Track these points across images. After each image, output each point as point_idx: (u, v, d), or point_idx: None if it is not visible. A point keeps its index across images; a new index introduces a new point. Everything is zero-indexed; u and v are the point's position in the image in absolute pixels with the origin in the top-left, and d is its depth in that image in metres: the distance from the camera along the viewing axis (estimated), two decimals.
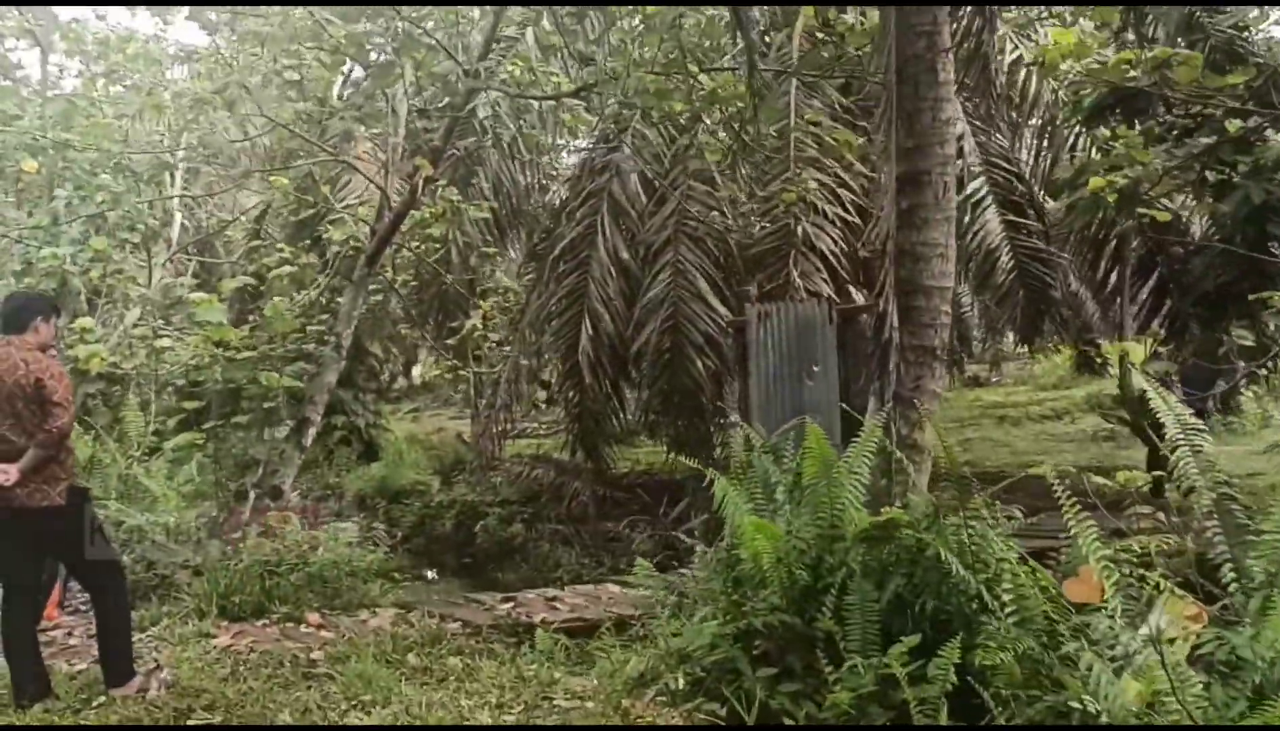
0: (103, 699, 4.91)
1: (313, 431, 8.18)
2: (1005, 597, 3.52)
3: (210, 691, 4.99)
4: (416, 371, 31.38)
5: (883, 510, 4.15)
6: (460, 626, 6.19)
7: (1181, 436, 3.77)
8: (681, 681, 3.84)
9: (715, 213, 11.43)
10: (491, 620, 6.39)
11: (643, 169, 12.14)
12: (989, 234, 10.91)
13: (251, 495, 7.80)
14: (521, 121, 11.58)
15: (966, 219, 11.15)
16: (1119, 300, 10.84)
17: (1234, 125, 7.53)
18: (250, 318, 9.60)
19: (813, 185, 10.79)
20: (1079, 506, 3.56)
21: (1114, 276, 10.95)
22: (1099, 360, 23.50)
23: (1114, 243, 10.90)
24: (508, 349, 11.81)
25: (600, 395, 11.77)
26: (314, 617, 6.66)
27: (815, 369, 8.52)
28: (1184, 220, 10.86)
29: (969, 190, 11.06)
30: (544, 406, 17.18)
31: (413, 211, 8.66)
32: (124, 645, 5.09)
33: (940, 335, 5.04)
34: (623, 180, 12.13)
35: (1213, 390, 11.66)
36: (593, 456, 12.46)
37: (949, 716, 3.31)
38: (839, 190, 10.88)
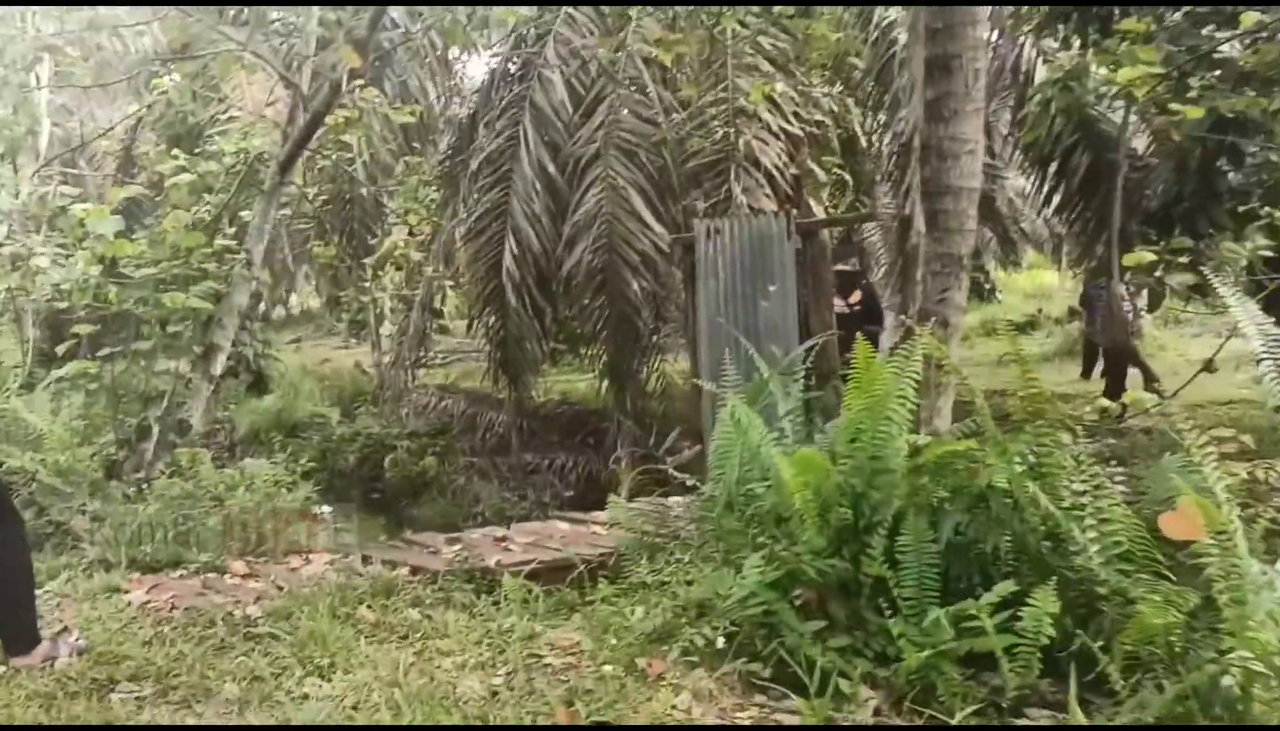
0: (1, 670, 4.22)
1: (222, 358, 7.39)
2: (1090, 535, 3.12)
3: (134, 657, 4.33)
4: (295, 299, 30.07)
5: (918, 439, 3.73)
6: (409, 573, 5.60)
7: (1267, 352, 3.42)
8: (720, 639, 3.36)
9: (649, 124, 10.79)
10: (443, 565, 5.82)
11: (568, 76, 11.40)
12: None
13: (155, 430, 7.01)
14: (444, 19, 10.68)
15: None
16: (1069, 217, 10.66)
17: (1248, 17, 7.16)
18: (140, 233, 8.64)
19: (754, 96, 10.24)
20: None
21: (1058, 194, 10.73)
22: (987, 286, 23.75)
23: (1058, 157, 10.66)
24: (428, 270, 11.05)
25: (526, 319, 11.13)
26: (238, 566, 5.99)
27: (771, 288, 8.08)
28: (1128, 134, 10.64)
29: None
30: (446, 334, 16.42)
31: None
32: (25, 606, 4.38)
33: (967, 242, 4.62)
34: (546, 88, 11.37)
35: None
36: (516, 385, 11.84)
37: (1040, 676, 2.92)
38: (780, 101, 10.36)
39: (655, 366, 11.29)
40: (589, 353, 11.59)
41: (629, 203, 10.42)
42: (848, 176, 12.73)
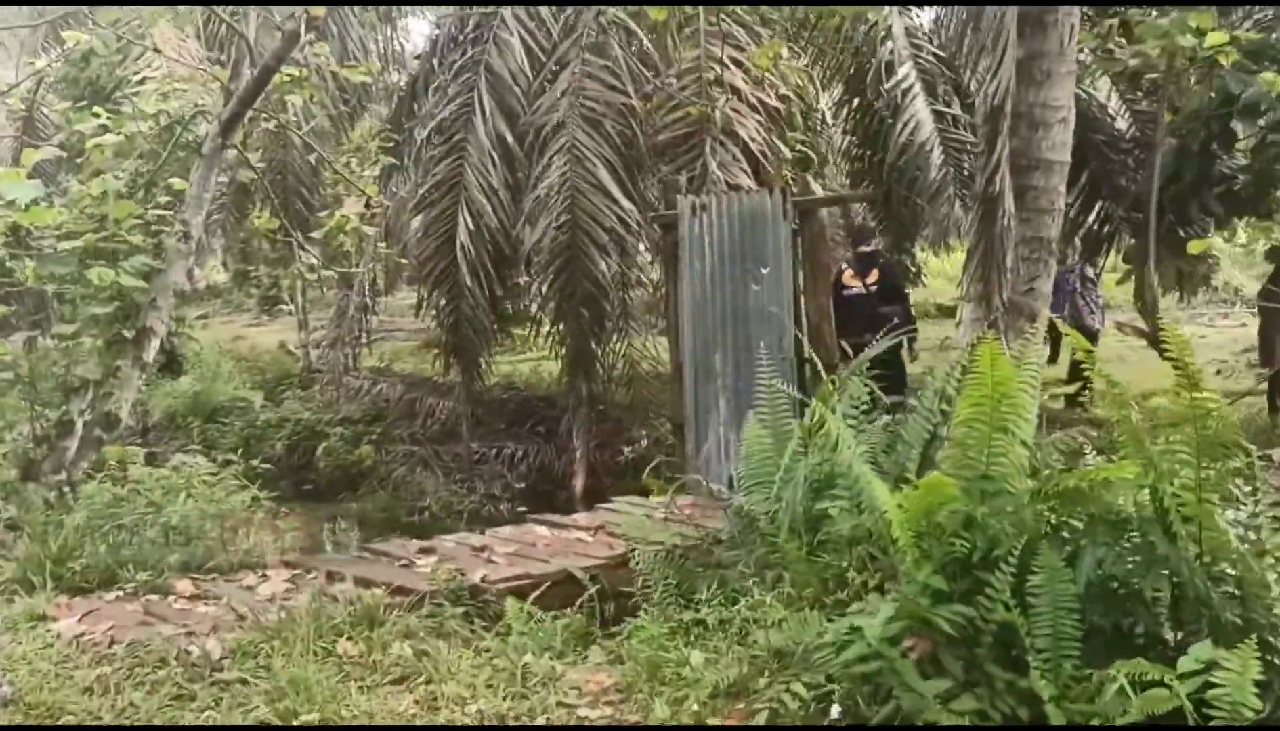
0: None
1: (156, 343, 6.58)
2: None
3: (73, 710, 3.63)
4: (200, 273, 28.66)
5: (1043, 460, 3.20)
6: (388, 593, 4.93)
7: None
8: (837, 705, 2.79)
9: (616, 92, 10.13)
10: (425, 583, 5.15)
11: (526, 39, 10.68)
12: (921, 126, 10.10)
13: (78, 425, 6.19)
14: None
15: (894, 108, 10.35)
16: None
17: None
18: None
19: (760, 60, 9.65)
20: None
21: None
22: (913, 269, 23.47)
23: None
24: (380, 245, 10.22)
25: (481, 299, 10.42)
26: (184, 585, 5.27)
27: (764, 271, 7.53)
28: (1111, 115, 10.33)
29: (899, 75, 10.21)
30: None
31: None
32: None
33: (1056, 224, 4.13)
34: (503, 51, 10.64)
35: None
36: (470, 370, 11.13)
37: None
38: (759, 71, 9.80)
39: (621, 352, 10.67)
40: (550, 334, 10.92)
41: (595, 176, 9.77)
42: (812, 153, 12.21)
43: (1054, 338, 13.80)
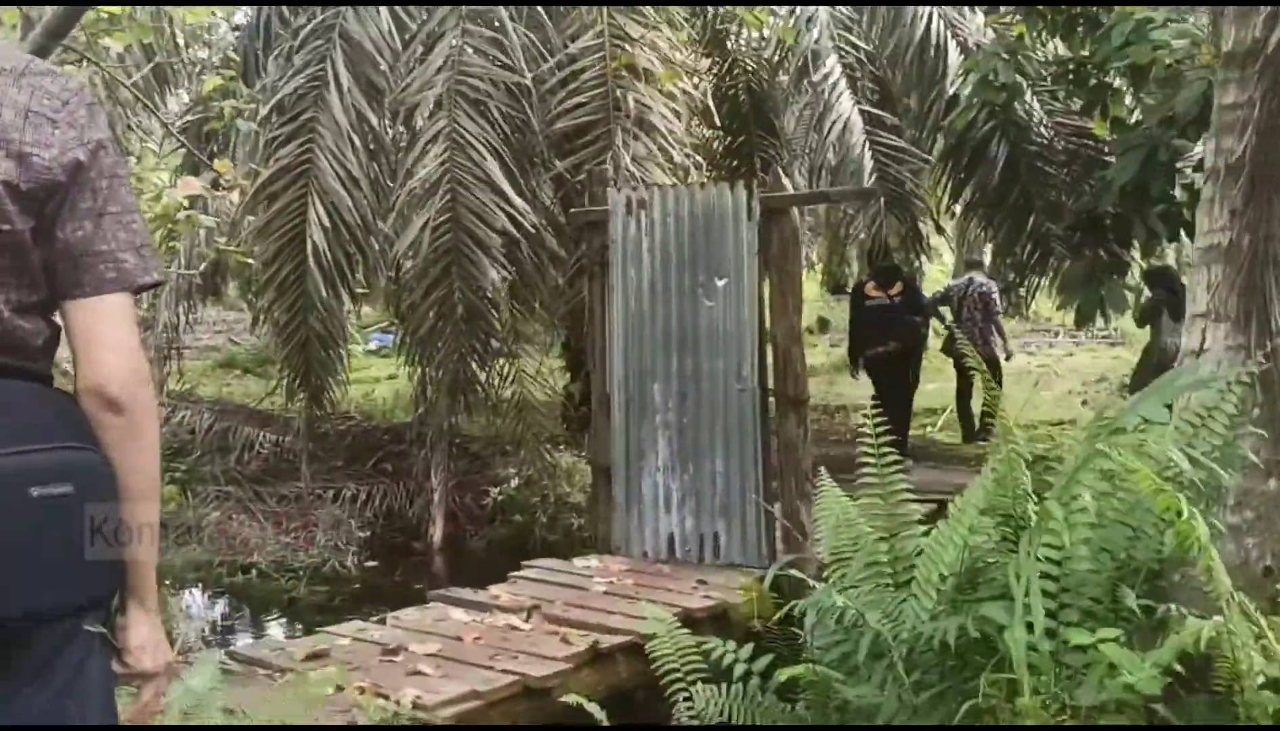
0: None
1: None
2: None
3: None
4: None
5: None
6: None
7: None
8: None
9: (506, 70, 8.69)
10: (340, 715, 3.60)
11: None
12: (851, 128, 9.13)
13: None
14: None
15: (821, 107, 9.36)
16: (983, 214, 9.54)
17: None
18: None
19: (643, 46, 8.45)
20: None
21: (975, 190, 9.57)
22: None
23: (971, 147, 9.49)
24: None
25: (337, 312, 8.74)
26: None
27: (720, 282, 6.29)
28: (1038, 124, 9.65)
29: (826, 68, 9.23)
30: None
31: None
32: None
33: None
34: (363, 16, 9.02)
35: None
36: (316, 397, 9.39)
37: None
38: (672, 51, 8.63)
39: (511, 375, 9.18)
40: (412, 353, 9.33)
41: (483, 168, 8.29)
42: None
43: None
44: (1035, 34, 8.96)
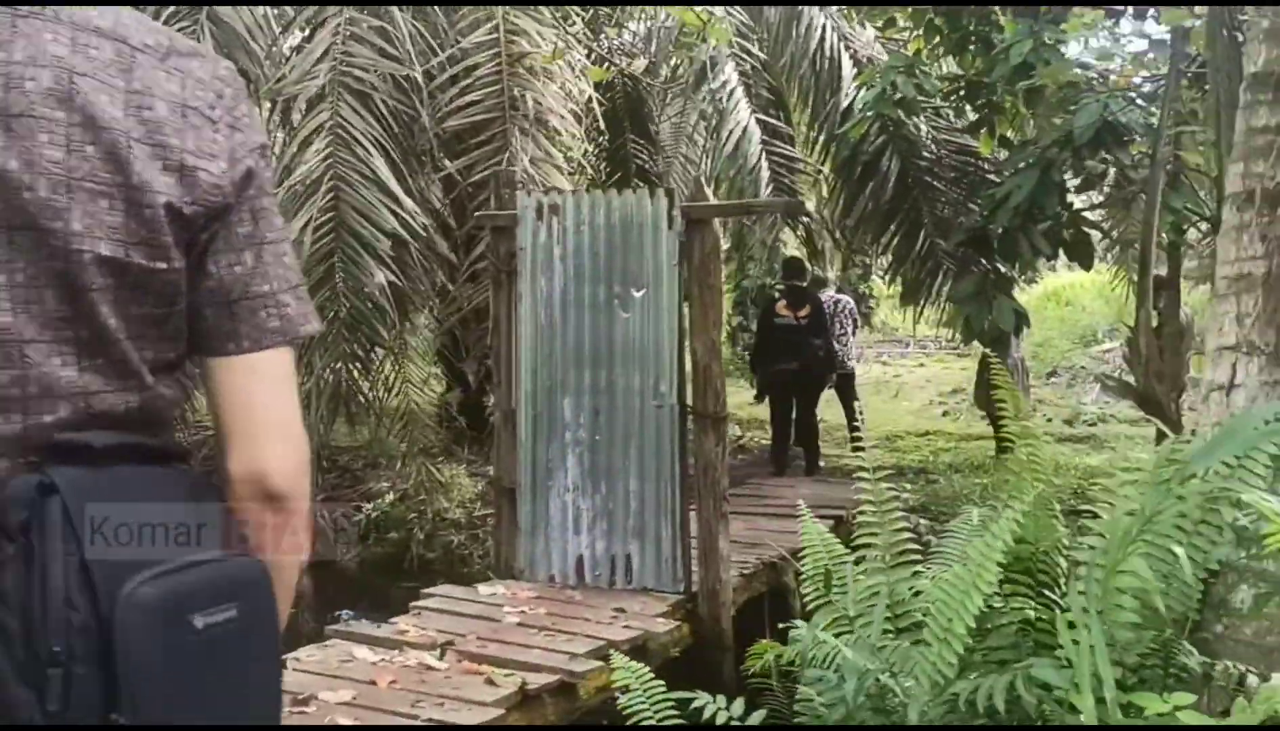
0: None
1: None
2: None
3: None
4: None
5: None
6: None
7: None
8: None
9: (392, 61, 8.25)
10: None
11: None
12: (749, 136, 9.02)
13: None
14: None
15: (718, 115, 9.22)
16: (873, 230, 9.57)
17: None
18: None
19: (540, 41, 8.14)
20: None
21: (868, 203, 9.60)
22: None
23: (864, 161, 9.53)
24: None
25: None
26: None
27: (637, 294, 6.06)
28: (926, 140, 9.77)
29: (725, 76, 9.09)
30: None
31: None
32: None
33: None
34: None
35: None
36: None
37: None
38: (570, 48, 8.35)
39: (397, 384, 8.69)
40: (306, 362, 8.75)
41: (368, 165, 7.84)
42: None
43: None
44: (930, 49, 9.06)
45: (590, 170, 10.90)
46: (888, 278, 10.56)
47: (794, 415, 9.70)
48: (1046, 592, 2.68)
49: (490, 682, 4.44)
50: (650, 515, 6.07)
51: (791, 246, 11.01)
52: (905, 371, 20.93)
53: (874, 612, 2.79)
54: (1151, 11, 8.04)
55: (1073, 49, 8.12)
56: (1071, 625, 2.29)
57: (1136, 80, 8.40)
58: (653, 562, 6.08)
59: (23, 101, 1.02)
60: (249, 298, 1.17)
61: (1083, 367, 18.80)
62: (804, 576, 3.16)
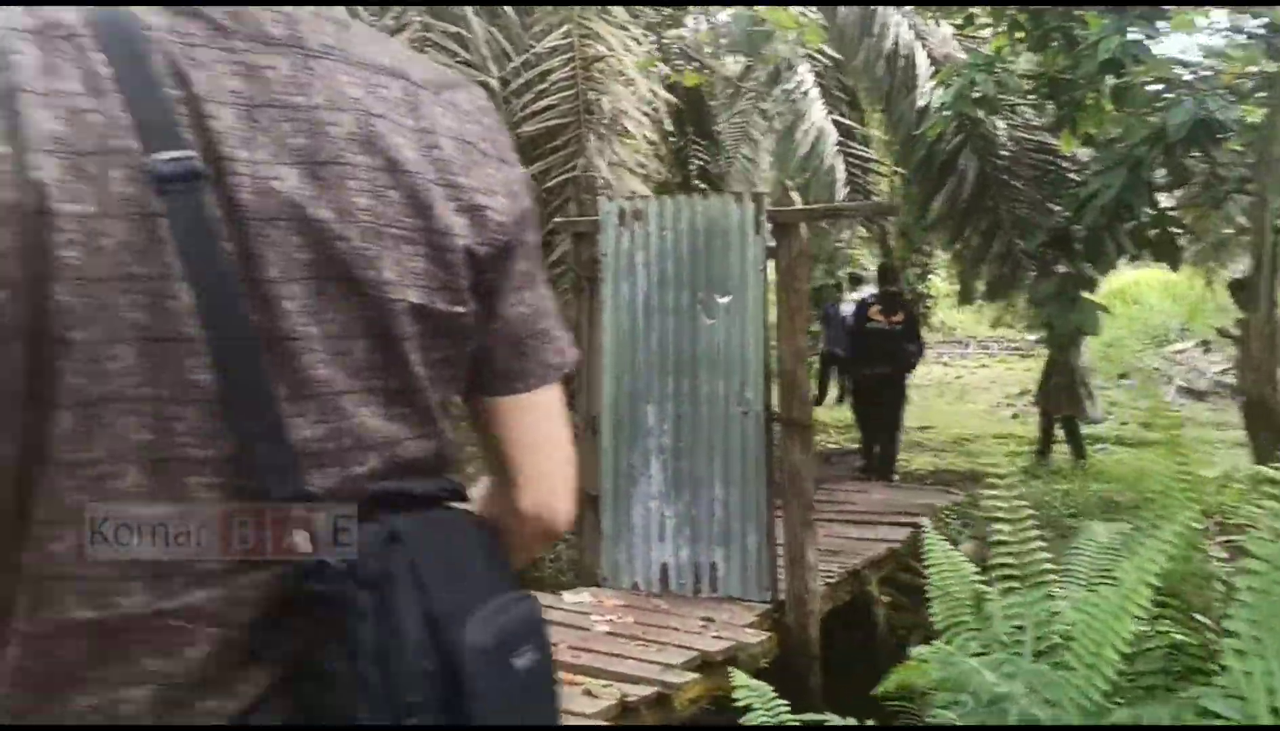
0: None
1: None
2: None
3: None
4: None
5: None
6: None
7: None
8: None
9: (471, 68, 8.25)
10: None
11: None
12: (824, 138, 8.93)
13: None
14: None
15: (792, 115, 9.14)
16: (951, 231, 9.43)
17: None
18: None
19: (612, 41, 8.11)
20: None
21: (944, 203, 9.47)
22: None
23: (941, 161, 9.40)
24: None
25: None
26: None
27: (722, 300, 6.00)
28: (1005, 138, 9.61)
29: (799, 77, 9.02)
30: None
31: None
32: None
33: None
34: None
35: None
36: None
37: None
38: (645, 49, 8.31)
39: None
40: None
41: None
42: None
43: (825, 373, 13.43)
44: (1011, 46, 8.90)
45: (656, 172, 10.86)
46: (963, 279, 10.37)
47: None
48: (1197, 616, 2.60)
49: (589, 694, 4.42)
50: (735, 523, 6.02)
51: (855, 247, 10.87)
52: (967, 372, 20.63)
53: (1020, 635, 2.71)
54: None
55: (1166, 45, 7.90)
56: (1239, 653, 2.20)
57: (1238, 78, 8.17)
58: (738, 571, 6.03)
59: (330, 148, 0.99)
60: (534, 335, 1.15)
61: (1156, 369, 18.41)
62: (931, 595, 3.08)
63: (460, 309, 1.06)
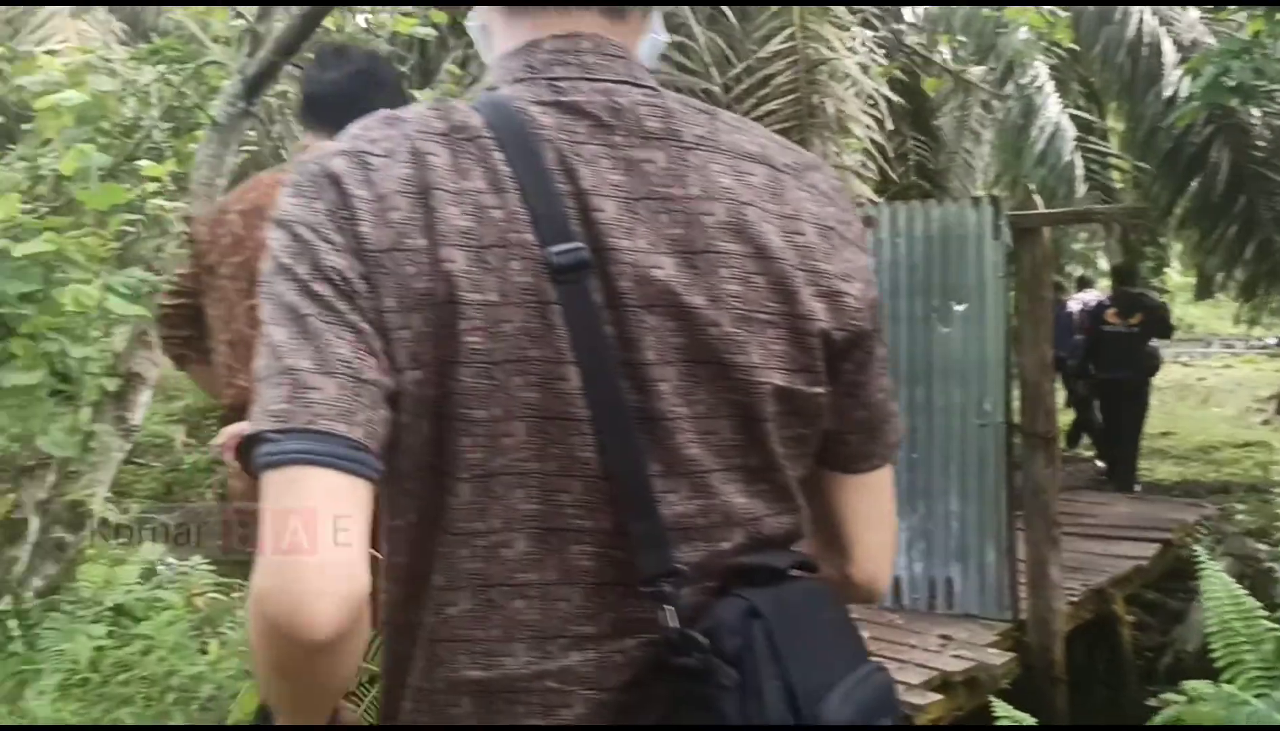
0: None
1: (147, 397, 4.60)
2: None
3: None
4: None
5: None
6: None
7: None
8: None
9: (695, 76, 8.35)
10: None
11: None
12: (1061, 134, 8.56)
13: (34, 523, 4.18)
14: None
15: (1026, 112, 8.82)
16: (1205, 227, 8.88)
17: None
18: None
19: (835, 42, 8.02)
20: None
21: (1194, 199, 8.91)
22: None
23: (1189, 153, 8.85)
24: None
25: None
26: None
27: (958, 308, 5.84)
28: (1262, 128, 8.94)
29: (1034, 71, 8.68)
30: None
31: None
32: None
33: None
34: None
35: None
36: None
37: None
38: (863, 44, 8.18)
39: None
40: None
41: None
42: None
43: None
44: (1269, 30, 8.27)
45: (876, 172, 10.65)
46: (1203, 272, 9.75)
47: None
48: None
49: None
50: (972, 538, 5.86)
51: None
52: (1210, 374, 19.32)
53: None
54: None
55: None
56: None
57: None
58: (976, 587, 5.87)
59: (703, 237, 1.04)
60: (885, 418, 1.19)
61: None
62: (1210, 630, 2.93)
63: (818, 390, 1.10)
